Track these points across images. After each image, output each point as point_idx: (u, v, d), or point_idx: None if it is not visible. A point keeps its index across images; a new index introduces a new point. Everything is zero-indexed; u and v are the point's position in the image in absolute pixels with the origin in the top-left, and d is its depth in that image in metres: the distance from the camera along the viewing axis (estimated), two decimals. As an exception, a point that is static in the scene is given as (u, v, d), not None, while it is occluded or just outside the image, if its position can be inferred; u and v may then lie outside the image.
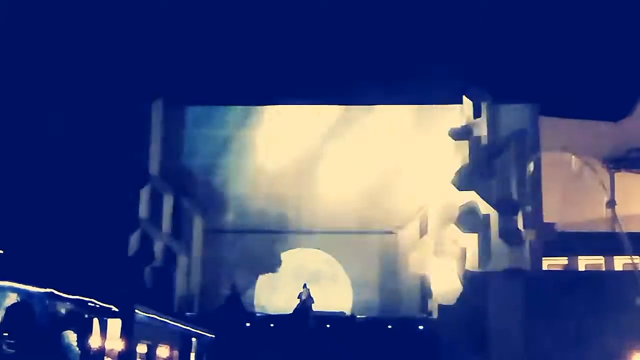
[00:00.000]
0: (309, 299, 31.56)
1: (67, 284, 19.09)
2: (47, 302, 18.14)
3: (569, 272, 31.62)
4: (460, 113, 33.79)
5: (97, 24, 31.58)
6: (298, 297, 31.60)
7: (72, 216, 30.16)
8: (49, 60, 31.42)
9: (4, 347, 17.18)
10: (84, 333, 19.61)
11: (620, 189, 33.21)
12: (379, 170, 35.38)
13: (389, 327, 29.52)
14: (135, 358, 21.99)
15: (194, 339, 27.26)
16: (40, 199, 30.24)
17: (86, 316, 19.86)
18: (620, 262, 31.43)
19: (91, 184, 31.01)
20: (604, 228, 31.87)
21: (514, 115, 33.14)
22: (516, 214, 31.75)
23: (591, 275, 30.39)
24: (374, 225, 35.24)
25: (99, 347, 19.78)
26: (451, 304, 29.30)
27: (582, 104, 32.82)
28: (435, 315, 30.38)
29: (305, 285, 31.92)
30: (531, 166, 32.86)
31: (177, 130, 35.21)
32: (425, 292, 33.04)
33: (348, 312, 33.16)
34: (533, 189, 32.64)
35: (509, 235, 31.34)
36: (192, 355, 27.08)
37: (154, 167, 33.75)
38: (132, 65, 32.46)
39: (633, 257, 28.91)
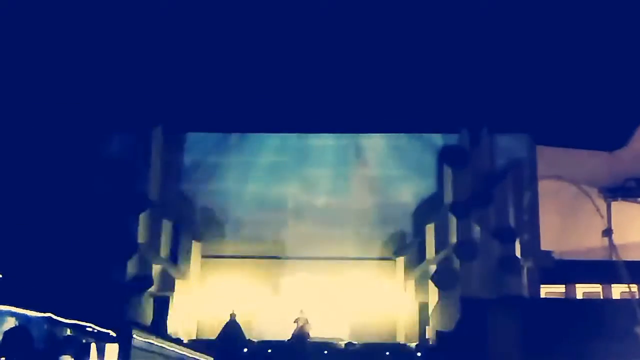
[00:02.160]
0: (306, 324, 31.52)
1: (65, 308, 19.10)
2: (45, 326, 18.15)
3: (567, 300, 31.65)
4: (457, 142, 34.11)
5: (94, 50, 31.87)
6: (294, 322, 31.57)
7: (71, 241, 30.18)
8: (46, 83, 31.64)
9: (2, 371, 17.18)
10: (81, 357, 19.57)
11: (616, 217, 33.41)
12: (376, 194, 35.62)
13: (387, 353, 29.46)
14: (132, 383, 21.88)
15: (191, 365, 27.12)
16: (39, 223, 30.27)
17: (84, 341, 19.84)
18: (617, 290, 31.48)
19: (90, 209, 31.07)
20: (601, 256, 32.00)
21: (511, 144, 33.44)
22: (514, 242, 31.86)
23: (589, 303, 30.45)
24: (372, 251, 35.34)
25: (96, 372, 19.71)
26: (449, 331, 29.28)
27: (579, 134, 33.11)
28: (433, 342, 30.32)
29: (302, 311, 31.89)
30: (528, 195, 33.04)
31: (176, 156, 35.45)
32: (423, 319, 33.01)
33: (345, 339, 33.07)
34: (530, 217, 32.79)
35: (507, 263, 31.41)
36: (189, 382, 26.92)
37: (152, 192, 33.83)
38: (132, 91, 32.72)
39: (630, 285, 29.03)
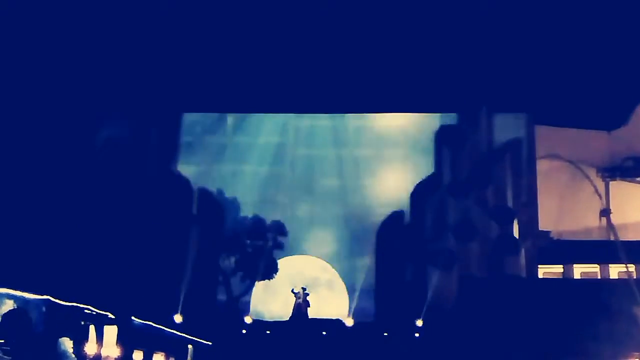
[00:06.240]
0: (305, 302, 31.64)
1: (63, 291, 19.15)
2: (44, 309, 18.21)
3: (565, 280, 31.74)
4: (456, 121, 34.00)
5: (96, 33, 31.68)
6: (292, 292, 31.63)
7: (69, 224, 30.17)
8: (47, 68, 31.51)
9: (0, 353, 17.24)
10: (80, 340, 19.66)
11: (615, 197, 33.38)
12: (376, 177, 35.64)
13: (385, 333, 29.60)
14: (131, 365, 22.03)
15: (190, 346, 27.27)
16: (37, 207, 30.25)
17: (82, 323, 19.91)
18: (615, 270, 31.54)
19: (88, 192, 31.04)
20: (599, 236, 32.03)
21: (509, 124, 33.30)
22: (512, 222, 31.88)
23: (586, 283, 30.55)
24: (371, 231, 35.41)
25: (95, 354, 19.83)
26: (447, 310, 29.40)
27: (577, 114, 33.03)
28: (431, 321, 30.42)
29: (304, 289, 32.03)
30: (526, 175, 32.98)
31: (173, 137, 35.29)
32: (422, 299, 33.09)
33: (344, 319, 33.20)
34: (528, 197, 32.76)
35: (505, 243, 31.45)
36: (188, 362, 27.10)
37: (150, 173, 33.69)
38: (130, 72, 32.54)
39: (628, 265, 29.08)
